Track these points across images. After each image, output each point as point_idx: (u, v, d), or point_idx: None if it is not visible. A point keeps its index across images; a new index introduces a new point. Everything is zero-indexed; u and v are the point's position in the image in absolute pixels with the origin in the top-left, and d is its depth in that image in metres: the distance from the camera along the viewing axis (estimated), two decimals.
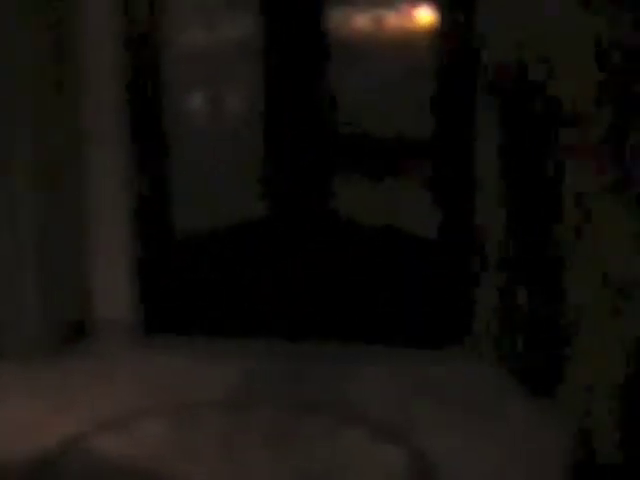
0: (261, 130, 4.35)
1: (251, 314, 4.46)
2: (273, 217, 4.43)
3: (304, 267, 4.40)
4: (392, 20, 4.27)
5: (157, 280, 4.53)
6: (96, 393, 3.84)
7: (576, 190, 3.08)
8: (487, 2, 3.89)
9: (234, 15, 4.37)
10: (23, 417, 3.60)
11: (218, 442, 3.40)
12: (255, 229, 4.46)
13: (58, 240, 4.31)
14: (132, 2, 4.30)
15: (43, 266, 4.25)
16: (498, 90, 3.85)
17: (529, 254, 3.71)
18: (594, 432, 2.99)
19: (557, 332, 3.36)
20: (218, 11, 4.39)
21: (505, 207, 3.86)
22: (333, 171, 4.38)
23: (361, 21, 4.30)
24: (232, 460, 3.26)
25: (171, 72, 4.37)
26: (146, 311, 4.50)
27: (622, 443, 2.89)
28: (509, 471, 3.20)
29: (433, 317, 4.30)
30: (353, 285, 4.37)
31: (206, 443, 3.39)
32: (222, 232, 4.47)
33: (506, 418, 3.57)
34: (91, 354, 4.31)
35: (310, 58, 4.27)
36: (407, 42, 4.26)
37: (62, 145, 4.30)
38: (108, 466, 3.24)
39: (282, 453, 3.32)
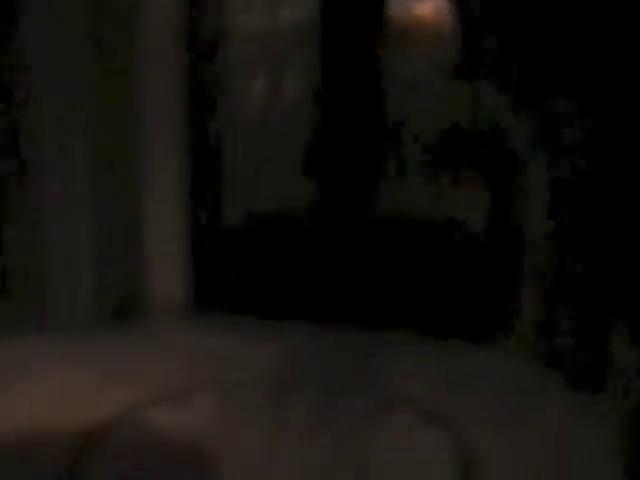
0: (315, 119, 4.42)
1: (299, 298, 4.52)
2: (322, 205, 4.49)
3: (352, 255, 4.45)
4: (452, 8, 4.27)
5: (208, 259, 4.61)
6: (146, 367, 3.87)
7: None
8: None
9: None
10: (74, 389, 3.61)
11: (261, 421, 3.45)
12: (305, 216, 4.53)
13: (111, 214, 4.39)
14: None
15: (96, 239, 4.34)
16: None
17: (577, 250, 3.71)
18: None
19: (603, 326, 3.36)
20: None
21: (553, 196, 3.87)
22: (385, 163, 4.42)
23: (423, 8, 4.29)
24: (277, 437, 3.30)
25: (227, 56, 4.45)
26: (197, 289, 4.59)
27: None
28: (549, 463, 3.21)
29: (477, 309, 4.34)
30: (399, 275, 4.42)
31: (250, 421, 3.44)
32: (272, 217, 4.55)
33: (547, 412, 3.57)
34: (142, 329, 4.38)
35: (367, 45, 4.31)
36: (466, 33, 4.26)
37: (117, 126, 4.36)
38: (159, 439, 3.28)
39: (324, 433, 3.35)
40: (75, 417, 3.37)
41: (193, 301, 4.59)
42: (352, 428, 3.43)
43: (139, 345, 4.20)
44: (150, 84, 4.37)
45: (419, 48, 4.36)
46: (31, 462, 3.04)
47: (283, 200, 4.50)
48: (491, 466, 3.13)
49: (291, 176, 4.49)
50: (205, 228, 4.58)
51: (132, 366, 3.93)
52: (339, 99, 4.36)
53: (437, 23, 4.28)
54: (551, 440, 3.33)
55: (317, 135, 4.42)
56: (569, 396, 3.62)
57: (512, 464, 3.09)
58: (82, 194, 4.29)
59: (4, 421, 3.33)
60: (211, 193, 4.56)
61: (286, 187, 4.50)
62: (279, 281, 4.56)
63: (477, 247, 4.34)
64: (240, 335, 4.38)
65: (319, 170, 4.44)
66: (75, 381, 3.71)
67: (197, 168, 4.49)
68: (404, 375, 3.93)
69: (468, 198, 4.33)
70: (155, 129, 4.41)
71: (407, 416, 3.54)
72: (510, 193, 4.19)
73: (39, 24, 4.07)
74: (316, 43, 4.36)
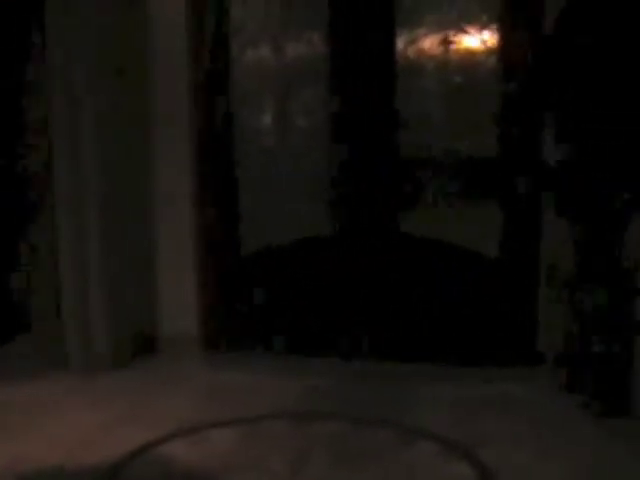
0: (329, 148, 4.42)
1: (315, 332, 4.50)
2: (339, 235, 4.47)
3: (369, 286, 4.43)
4: (459, 41, 4.31)
5: (223, 297, 4.60)
6: (162, 406, 3.88)
7: None
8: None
9: (301, 35, 4.43)
10: (90, 428, 3.64)
11: (284, 454, 3.41)
12: (321, 247, 4.50)
13: (126, 256, 4.40)
14: (201, 22, 4.42)
15: (111, 281, 4.33)
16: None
17: (597, 269, 3.69)
18: None
19: (627, 349, 3.33)
20: (286, 31, 4.45)
21: (572, 225, 3.86)
22: (400, 190, 4.41)
23: (428, 42, 4.34)
24: (296, 472, 3.26)
25: (239, 90, 4.47)
26: (212, 327, 4.58)
27: None
28: None
29: (499, 335, 4.31)
30: (418, 304, 4.38)
31: (272, 455, 3.40)
32: (287, 249, 4.52)
33: (574, 437, 3.53)
34: (157, 368, 4.38)
35: (377, 78, 4.32)
36: (474, 62, 4.30)
37: (130, 165, 4.41)
38: (177, 474, 3.25)
39: (349, 467, 3.32)
40: (90, 456, 3.34)
41: (209, 339, 4.57)
42: (375, 459, 3.41)
43: (154, 385, 4.17)
44: (161, 117, 4.43)
45: (428, 79, 4.38)
46: None
47: (298, 231, 4.49)
48: None
49: (306, 207, 4.51)
50: (220, 264, 4.58)
51: (149, 403, 3.93)
52: (351, 131, 4.37)
53: (445, 55, 4.32)
54: (579, 464, 3.32)
55: (331, 166, 4.43)
56: (596, 422, 3.60)
57: None
58: (96, 236, 4.29)
59: (24, 458, 3.31)
60: (225, 228, 4.55)
61: (301, 218, 4.50)
62: (295, 313, 4.55)
63: (496, 274, 4.32)
64: (256, 372, 4.37)
65: (335, 200, 4.45)
66: (90, 422, 3.70)
67: (210, 204, 4.53)
68: (426, 405, 3.91)
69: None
70: (167, 164, 4.44)
71: (429, 446, 3.52)
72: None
73: None
74: (326, 77, 4.38)
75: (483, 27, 4.26)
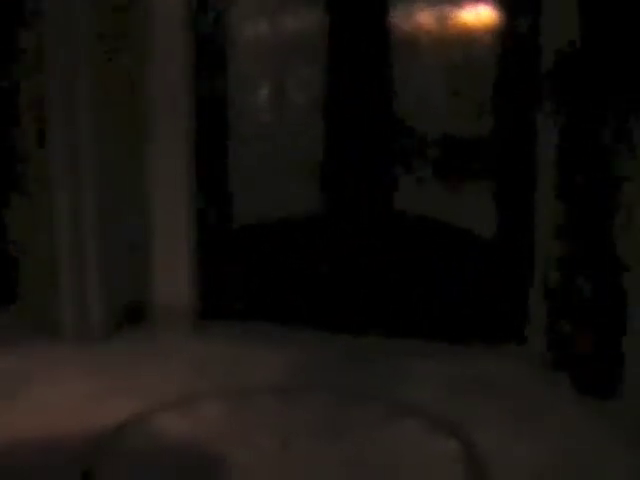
0: (323, 125, 4.40)
1: (306, 304, 4.52)
2: (332, 210, 4.48)
3: (361, 261, 4.45)
4: (455, 17, 4.30)
5: (215, 267, 4.61)
6: (153, 376, 3.90)
7: None
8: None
9: (298, 10, 4.41)
10: (81, 396, 3.67)
11: (273, 428, 3.45)
12: (313, 222, 4.51)
13: (119, 225, 4.41)
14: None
15: (104, 250, 4.35)
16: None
17: (588, 251, 3.70)
18: None
19: (616, 329, 3.35)
20: (283, 5, 4.43)
21: (564, 205, 3.87)
22: (393, 168, 4.41)
23: (424, 17, 4.32)
24: (285, 445, 3.30)
25: (235, 66, 4.46)
26: (204, 297, 4.60)
27: None
28: (560, 467, 3.21)
29: (489, 314, 4.33)
30: (409, 281, 4.40)
31: (261, 429, 3.44)
32: (281, 223, 4.54)
33: (558, 416, 3.57)
34: (149, 338, 4.40)
35: (373, 54, 4.31)
36: (470, 39, 4.28)
37: (126, 133, 4.41)
38: (165, 445, 3.29)
39: (335, 442, 3.34)
40: (81, 424, 3.37)
41: (201, 309, 4.60)
42: (363, 433, 3.43)
43: (146, 355, 4.19)
44: (158, 89, 4.41)
45: (424, 56, 4.37)
46: (45, 466, 3.10)
47: (291, 207, 4.51)
48: (499, 469, 3.16)
49: (299, 183, 4.52)
50: (212, 236, 4.59)
51: (138, 375, 3.93)
52: (345, 108, 4.36)
53: (442, 31, 4.30)
54: (562, 443, 3.36)
55: (326, 143, 4.43)
56: (580, 400, 3.64)
57: (520, 467, 3.13)
58: (90, 206, 4.30)
59: (10, 427, 3.34)
60: (218, 201, 4.56)
61: (294, 194, 4.52)
62: (287, 287, 4.58)
63: (487, 254, 4.34)
64: (247, 343, 4.39)
65: (328, 177, 4.45)
66: (81, 390, 3.72)
67: (204, 176, 4.54)
68: (414, 381, 3.91)
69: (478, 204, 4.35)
70: (163, 135, 4.42)
71: (416, 422, 3.55)
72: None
73: None
74: (322, 53, 4.36)
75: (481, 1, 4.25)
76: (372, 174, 4.40)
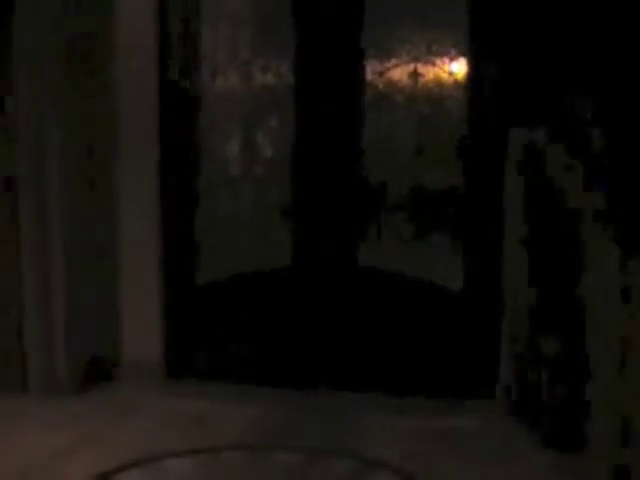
0: (291, 178, 4.41)
1: (274, 360, 4.48)
2: (296, 266, 4.46)
3: (325, 317, 4.43)
4: (427, 73, 4.34)
5: (183, 323, 4.57)
6: (120, 432, 3.85)
7: None
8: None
9: (269, 64, 4.43)
10: (46, 454, 3.59)
11: None
12: (280, 278, 4.48)
13: (88, 281, 4.38)
14: (168, 50, 4.42)
15: (73, 306, 4.31)
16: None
17: (553, 305, 3.69)
18: None
19: (581, 381, 3.32)
20: (252, 59, 4.45)
21: (530, 258, 3.86)
22: (360, 221, 4.41)
23: (395, 73, 4.36)
24: None
25: (204, 119, 4.47)
26: (172, 353, 4.54)
27: None
28: None
29: (458, 368, 4.30)
30: (377, 335, 4.37)
31: None
32: (249, 277, 4.51)
33: (526, 469, 3.52)
34: (117, 395, 4.34)
35: (342, 107, 4.33)
36: (440, 95, 4.32)
37: (95, 187, 4.39)
38: None
39: None
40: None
41: (168, 366, 4.53)
42: None
43: (111, 411, 4.13)
44: (126, 146, 4.42)
45: (393, 110, 4.40)
46: None
47: (259, 260, 4.49)
48: None
49: (267, 236, 4.51)
50: (180, 291, 4.56)
51: (106, 431, 3.88)
52: (313, 162, 4.38)
53: (412, 86, 4.34)
54: None
55: (294, 196, 4.42)
56: (548, 455, 3.59)
57: None
58: (58, 262, 4.27)
59: None
60: (187, 255, 4.54)
61: (262, 247, 4.51)
62: (254, 343, 4.53)
63: (455, 307, 4.32)
64: (216, 399, 4.33)
65: (296, 230, 4.44)
66: (44, 446, 3.65)
67: (172, 233, 4.52)
68: (381, 436, 3.88)
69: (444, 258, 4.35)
70: (131, 192, 4.41)
71: (385, 477, 3.50)
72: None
73: None
74: (291, 107, 4.38)
75: (451, 59, 4.30)
76: (340, 228, 4.40)
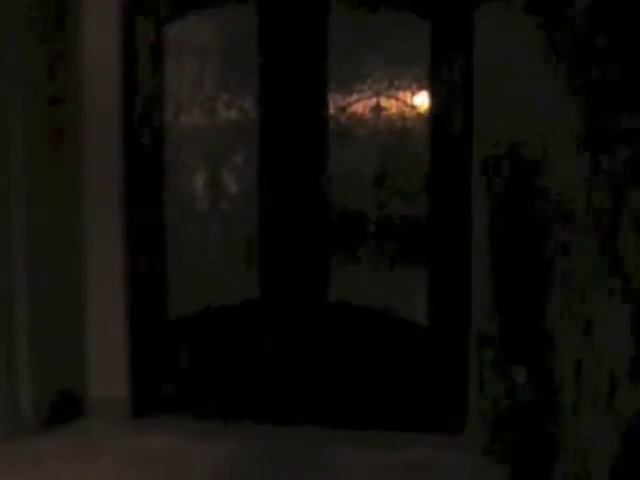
0: (259, 213, 4.43)
1: (241, 396, 4.46)
2: (264, 300, 4.46)
3: (294, 350, 4.42)
4: (390, 106, 4.38)
5: (150, 359, 4.54)
6: (87, 472, 3.80)
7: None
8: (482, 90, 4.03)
9: (234, 98, 4.46)
10: None
11: None
12: (249, 312, 4.47)
13: (52, 319, 4.33)
14: (133, 84, 4.43)
15: (36, 345, 4.26)
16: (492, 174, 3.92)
17: (520, 336, 3.72)
18: None
19: (549, 416, 3.34)
20: (217, 95, 4.48)
21: (497, 288, 3.89)
22: (327, 254, 4.42)
23: (359, 107, 4.40)
24: None
25: (169, 154, 4.49)
26: (139, 390, 4.50)
27: None
28: None
29: (425, 401, 4.31)
30: (346, 370, 4.38)
31: None
32: (215, 313, 4.50)
33: None
34: (82, 433, 4.29)
35: (308, 141, 4.37)
36: (404, 127, 4.36)
37: (60, 222, 4.38)
38: None
39: None
40: None
41: (135, 403, 4.48)
42: None
43: (79, 449, 4.08)
44: (92, 176, 4.42)
45: (358, 143, 4.43)
46: None
47: (227, 295, 4.49)
48: None
49: (235, 271, 4.52)
50: (147, 327, 4.53)
51: (69, 471, 3.80)
52: (279, 195, 4.40)
53: (376, 120, 4.38)
54: None
55: (260, 230, 4.44)
56: None
57: None
58: (22, 298, 4.23)
59: None
60: (154, 291, 4.52)
61: (230, 282, 4.51)
62: (223, 378, 4.51)
63: (423, 341, 4.33)
64: (181, 437, 4.28)
65: (264, 264, 4.44)
66: None
67: (138, 268, 4.50)
68: (350, 470, 3.87)
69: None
70: (96, 227, 4.41)
71: None
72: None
73: None
74: (256, 141, 4.41)
75: (413, 93, 4.34)
76: (307, 261, 4.41)
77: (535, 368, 3.49)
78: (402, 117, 4.38)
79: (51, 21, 4.32)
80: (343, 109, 4.40)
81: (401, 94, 4.36)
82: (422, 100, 4.34)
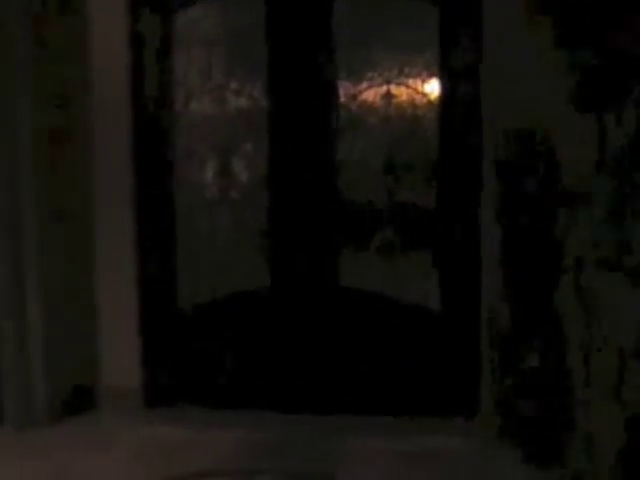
0: (268, 200, 4.42)
1: (252, 384, 4.47)
2: (275, 288, 4.46)
3: (306, 338, 4.42)
4: (400, 93, 4.36)
5: (163, 349, 4.55)
6: (100, 462, 3.81)
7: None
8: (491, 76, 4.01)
9: (243, 87, 4.45)
10: None
11: None
12: (260, 300, 4.47)
13: (66, 310, 4.35)
14: (142, 76, 4.43)
15: (49, 333, 4.27)
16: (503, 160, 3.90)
17: (531, 320, 3.70)
18: None
19: (561, 399, 3.32)
20: (226, 83, 4.47)
21: (507, 274, 3.87)
22: (337, 242, 4.41)
23: (370, 94, 4.39)
24: None
25: (179, 143, 4.48)
26: (152, 379, 4.51)
27: None
28: None
29: (437, 387, 4.30)
30: (358, 356, 4.36)
31: None
32: (226, 302, 4.50)
33: None
34: (96, 422, 4.32)
35: (318, 130, 4.35)
36: (414, 115, 4.35)
37: (73, 214, 4.39)
38: None
39: None
40: None
41: (147, 392, 4.48)
42: None
43: (89, 440, 4.09)
44: (103, 170, 4.41)
45: (368, 131, 4.41)
46: None
47: (238, 284, 4.48)
48: None
49: (246, 259, 4.51)
50: (159, 316, 4.54)
51: (85, 460, 3.83)
52: (288, 183, 4.39)
53: (386, 107, 4.36)
54: None
55: (271, 218, 4.43)
56: (529, 472, 3.58)
57: None
58: (34, 287, 4.24)
59: None
60: (165, 280, 4.53)
61: (241, 270, 4.50)
62: (235, 367, 4.52)
63: (435, 327, 4.32)
64: (194, 427, 4.27)
65: (274, 252, 4.44)
66: (24, 476, 3.63)
67: (149, 257, 4.50)
68: (364, 458, 3.86)
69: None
70: (108, 216, 4.40)
71: None
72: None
73: None
74: (265, 130, 4.40)
75: (423, 80, 4.33)
76: (318, 249, 4.40)
77: (546, 352, 3.47)
78: (412, 104, 4.36)
79: (56, 14, 4.31)
80: (354, 97, 4.38)
81: (411, 81, 4.33)
82: (432, 87, 4.32)
